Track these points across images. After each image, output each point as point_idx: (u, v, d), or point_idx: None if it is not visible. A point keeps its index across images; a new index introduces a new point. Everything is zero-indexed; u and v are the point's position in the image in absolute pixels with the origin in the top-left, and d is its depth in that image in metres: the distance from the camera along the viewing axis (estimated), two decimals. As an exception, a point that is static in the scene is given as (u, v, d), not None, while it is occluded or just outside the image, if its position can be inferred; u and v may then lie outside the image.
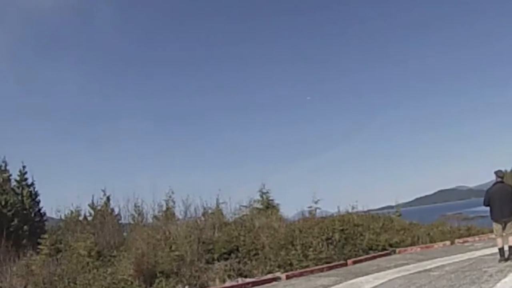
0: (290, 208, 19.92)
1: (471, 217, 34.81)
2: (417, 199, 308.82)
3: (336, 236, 15.78)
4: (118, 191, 20.01)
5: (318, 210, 18.92)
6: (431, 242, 18.16)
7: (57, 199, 25.15)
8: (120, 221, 18.88)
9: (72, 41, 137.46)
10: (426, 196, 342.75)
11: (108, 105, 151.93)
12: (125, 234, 17.65)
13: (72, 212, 19.25)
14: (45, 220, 21.06)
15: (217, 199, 17.85)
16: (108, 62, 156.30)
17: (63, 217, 19.39)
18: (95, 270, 14.32)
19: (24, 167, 21.48)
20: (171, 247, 14.53)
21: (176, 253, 14.21)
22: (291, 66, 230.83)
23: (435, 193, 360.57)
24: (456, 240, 18.40)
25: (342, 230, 16.18)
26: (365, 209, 20.72)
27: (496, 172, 12.33)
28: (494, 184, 12.32)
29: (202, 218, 16.69)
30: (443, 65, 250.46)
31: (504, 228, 11.91)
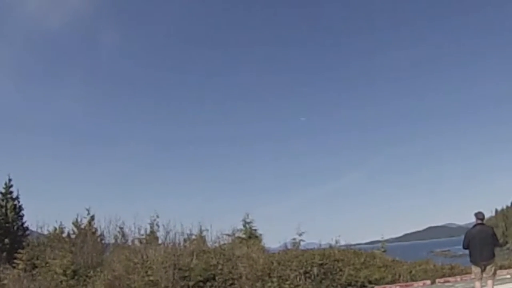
0: (276, 239, 19.26)
1: (459, 255, 34.30)
2: (406, 234, 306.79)
3: (315, 270, 15.09)
4: (104, 212, 19.47)
5: (304, 243, 18.36)
6: (412, 280, 17.43)
7: (42, 214, 24.46)
8: (103, 241, 18.37)
9: (77, 63, 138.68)
10: (416, 232, 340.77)
11: (106, 127, 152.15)
12: (106, 254, 17.11)
13: (56, 228, 18.68)
14: (28, 235, 20.38)
15: (200, 226, 17.31)
16: (111, 85, 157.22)
17: (46, 232, 18.87)
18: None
19: (10, 180, 20.97)
20: (147, 272, 13.92)
21: (151, 278, 13.60)
22: (287, 99, 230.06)
23: (424, 230, 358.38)
24: (437, 280, 17.70)
25: (322, 264, 15.49)
26: (349, 243, 20.13)
27: (476, 214, 11.73)
28: (474, 226, 11.70)
29: (182, 244, 16.06)
30: (437, 104, 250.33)
31: (483, 271, 11.30)
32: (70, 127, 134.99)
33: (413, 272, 18.16)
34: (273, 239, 19.49)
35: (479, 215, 11.70)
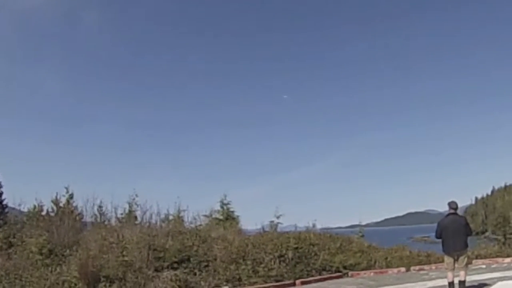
0: (254, 222, 19.13)
1: (438, 241, 34.25)
2: (386, 219, 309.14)
3: (290, 254, 15.01)
4: (83, 191, 19.14)
5: (282, 225, 18.24)
6: (387, 267, 17.39)
7: (22, 193, 24.06)
8: (82, 220, 18.12)
9: (58, 42, 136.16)
10: (396, 217, 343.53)
11: (84, 107, 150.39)
12: (85, 233, 16.88)
13: (35, 206, 18.41)
14: (7, 212, 20.04)
15: (178, 207, 17.10)
16: (90, 65, 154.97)
17: (26, 210, 18.58)
18: (43, 268, 13.54)
19: (-13, 157, 20.57)
20: (122, 252, 13.73)
21: (125, 258, 13.41)
22: (268, 84, 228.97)
23: (404, 215, 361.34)
24: (412, 267, 17.65)
25: (296, 248, 15.40)
26: (328, 227, 20.06)
27: (449, 203, 11.62)
28: (447, 216, 11.61)
29: (158, 224, 15.88)
30: (419, 91, 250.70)
31: (456, 261, 11.24)
32: (49, 107, 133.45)
33: (389, 258, 18.10)
34: (251, 221, 19.33)
35: (452, 205, 11.58)
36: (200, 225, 16.65)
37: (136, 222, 16.33)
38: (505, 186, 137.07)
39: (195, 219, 16.80)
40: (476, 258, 18.16)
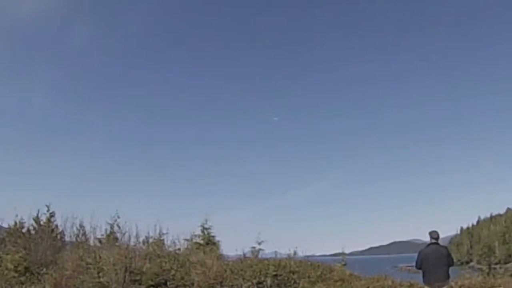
0: (235, 247, 18.64)
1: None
2: (371, 248, 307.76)
3: (268, 281, 14.59)
4: (63, 207, 18.72)
5: (265, 252, 17.79)
6: (368, 296, 16.97)
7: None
8: (63, 239, 17.66)
9: (47, 53, 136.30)
10: (381, 246, 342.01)
11: (71, 120, 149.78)
12: (67, 253, 16.41)
13: (16, 223, 17.93)
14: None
15: (160, 229, 16.67)
16: (78, 77, 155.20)
17: (6, 226, 18.09)
18: (17, 286, 13.12)
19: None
20: (99, 273, 13.31)
21: (102, 279, 13.00)
22: (254, 105, 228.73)
23: (389, 244, 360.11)
24: (394, 297, 17.26)
25: (276, 275, 14.96)
26: (313, 254, 19.58)
27: (430, 233, 11.25)
28: (428, 246, 11.19)
29: (138, 247, 15.46)
30: (406, 116, 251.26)
31: (437, 293, 10.85)
32: (36, 119, 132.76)
33: (370, 288, 17.71)
34: (232, 246, 18.84)
35: (433, 234, 11.21)
36: (179, 249, 16.18)
37: (117, 244, 15.85)
38: (491, 217, 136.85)
39: (174, 242, 16.33)
40: (460, 288, 17.78)
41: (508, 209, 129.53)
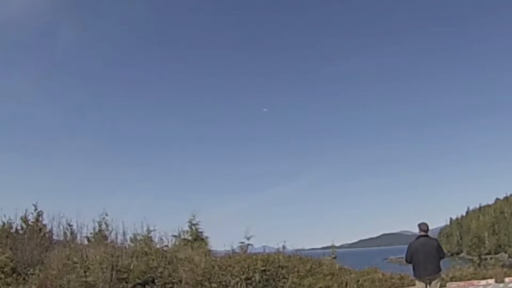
0: (223, 242, 18.37)
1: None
2: (361, 241, 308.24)
3: (257, 276, 14.33)
4: (52, 207, 18.35)
5: (254, 247, 17.53)
6: (358, 290, 16.74)
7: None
8: (51, 239, 17.31)
9: (34, 53, 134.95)
10: (371, 238, 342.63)
11: (57, 120, 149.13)
12: (55, 252, 16.08)
13: (4, 223, 17.57)
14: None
15: (148, 227, 16.35)
16: (66, 78, 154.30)
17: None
18: (3, 287, 12.80)
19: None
20: (85, 272, 12.99)
21: (88, 279, 12.68)
22: (241, 101, 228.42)
23: (379, 236, 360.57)
24: (384, 291, 17.06)
25: (264, 270, 14.70)
26: (302, 248, 19.33)
27: (419, 225, 10.77)
28: (417, 238, 10.71)
29: (125, 244, 15.16)
30: (399, 110, 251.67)
31: (428, 286, 10.50)
32: (21, 119, 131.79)
33: (361, 281, 17.45)
34: (221, 242, 18.53)
35: (422, 226, 10.76)
36: (166, 245, 15.86)
37: (105, 242, 15.54)
38: (480, 207, 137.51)
39: (161, 239, 16.01)
40: (451, 280, 17.66)
41: (497, 199, 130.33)
